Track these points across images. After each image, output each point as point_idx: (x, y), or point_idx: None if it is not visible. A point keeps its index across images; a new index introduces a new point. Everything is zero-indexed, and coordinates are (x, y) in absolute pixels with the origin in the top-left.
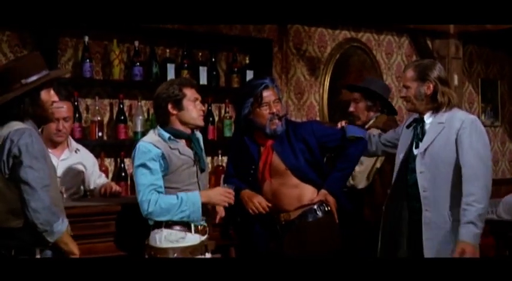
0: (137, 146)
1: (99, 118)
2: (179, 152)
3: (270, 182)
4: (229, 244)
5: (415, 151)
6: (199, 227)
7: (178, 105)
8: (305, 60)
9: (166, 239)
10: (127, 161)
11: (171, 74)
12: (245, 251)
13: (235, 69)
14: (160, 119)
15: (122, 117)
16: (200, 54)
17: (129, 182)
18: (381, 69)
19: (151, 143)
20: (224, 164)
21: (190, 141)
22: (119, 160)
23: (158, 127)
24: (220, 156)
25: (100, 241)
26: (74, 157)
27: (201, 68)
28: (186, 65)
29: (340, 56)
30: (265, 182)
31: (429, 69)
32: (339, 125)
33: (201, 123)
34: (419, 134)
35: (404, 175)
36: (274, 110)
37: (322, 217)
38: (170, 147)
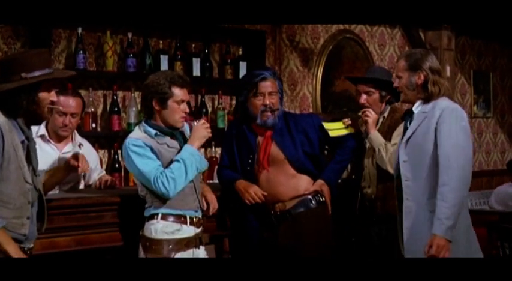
0: (127, 142)
1: (92, 110)
2: (167, 145)
3: (268, 172)
4: (223, 235)
5: None
6: (194, 219)
7: (163, 103)
8: (298, 52)
9: (162, 230)
10: (120, 152)
11: (164, 66)
12: (239, 242)
13: (229, 60)
14: (145, 110)
15: (116, 109)
16: (193, 45)
17: (122, 173)
18: (373, 61)
19: (139, 139)
20: (218, 156)
21: (174, 137)
22: (112, 151)
23: (143, 124)
24: (213, 147)
25: (94, 232)
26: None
27: (194, 59)
28: (179, 57)
29: (333, 48)
30: (262, 172)
31: (421, 59)
32: (344, 124)
33: (179, 126)
34: (407, 124)
35: (397, 167)
36: (268, 102)
37: (316, 207)
38: (158, 142)
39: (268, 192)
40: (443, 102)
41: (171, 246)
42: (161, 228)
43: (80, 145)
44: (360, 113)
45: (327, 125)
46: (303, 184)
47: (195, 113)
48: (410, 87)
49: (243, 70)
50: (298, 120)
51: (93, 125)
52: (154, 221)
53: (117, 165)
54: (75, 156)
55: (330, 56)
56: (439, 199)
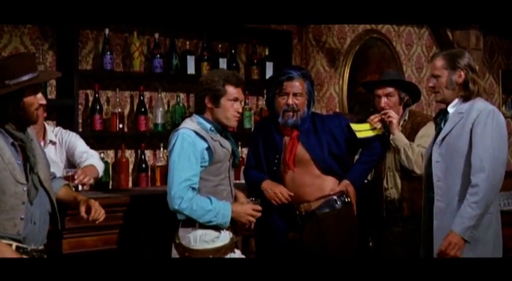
0: (180, 133)
1: (119, 110)
2: (220, 144)
3: (293, 172)
4: (249, 235)
5: None
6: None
7: (216, 101)
8: (325, 52)
9: (202, 239)
10: (148, 152)
11: (191, 66)
12: (264, 242)
13: (255, 61)
14: (197, 106)
15: (143, 109)
16: (220, 46)
17: (149, 173)
18: (400, 61)
19: (194, 131)
20: (244, 156)
21: (226, 137)
22: (139, 151)
23: (196, 116)
24: (240, 148)
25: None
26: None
27: (220, 59)
28: (206, 57)
29: (360, 48)
30: (288, 172)
31: (459, 57)
32: (372, 122)
33: (233, 124)
34: (441, 125)
35: (428, 167)
36: (291, 102)
37: (341, 208)
38: (212, 138)
39: (293, 192)
40: (481, 103)
41: (211, 256)
42: (200, 237)
43: (53, 143)
44: (381, 115)
45: (354, 126)
46: (328, 184)
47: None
48: (450, 86)
49: (269, 70)
50: (325, 121)
51: (120, 126)
52: (191, 228)
53: (143, 165)
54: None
55: (357, 56)
56: (466, 198)
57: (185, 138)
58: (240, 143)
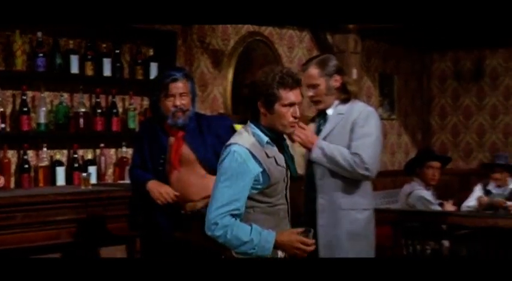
0: (231, 150)
1: (1, 109)
2: (276, 161)
3: (179, 172)
4: (134, 235)
5: None
6: None
7: (269, 107)
8: (209, 53)
9: None
10: (30, 152)
11: (74, 66)
12: (150, 242)
13: (139, 61)
14: (250, 111)
15: (25, 109)
16: (104, 45)
17: (32, 174)
18: (282, 63)
19: (248, 150)
20: (128, 156)
21: (282, 148)
22: (22, 151)
23: (252, 126)
24: (124, 148)
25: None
26: None
27: (104, 59)
28: (89, 57)
29: (244, 49)
30: (173, 172)
31: (330, 61)
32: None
33: (289, 131)
34: (321, 126)
35: (309, 167)
36: (178, 103)
37: None
38: (267, 155)
39: (179, 192)
40: (361, 105)
41: None
42: None
43: None
44: None
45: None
46: (213, 184)
47: (106, 114)
48: (329, 92)
49: (153, 71)
50: (210, 122)
51: (2, 125)
52: None
53: (26, 165)
54: None
55: (241, 58)
56: (352, 159)
57: (235, 158)
58: (124, 143)
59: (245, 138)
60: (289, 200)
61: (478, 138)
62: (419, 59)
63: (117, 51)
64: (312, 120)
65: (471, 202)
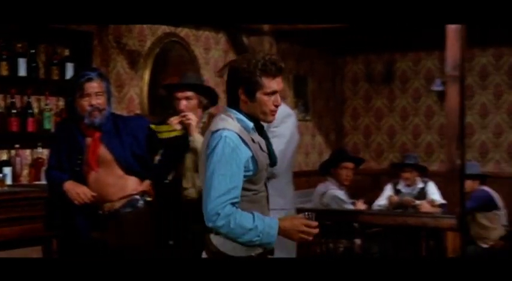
0: (222, 136)
1: None
2: (260, 147)
3: (96, 173)
4: (51, 236)
5: None
6: None
7: (250, 95)
8: (125, 54)
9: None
10: None
11: None
12: (67, 242)
13: (55, 61)
14: (229, 97)
15: None
16: (19, 45)
17: None
18: (198, 64)
19: (236, 134)
20: (44, 157)
21: (261, 135)
22: None
23: (234, 111)
24: (40, 148)
25: None
26: None
27: (20, 59)
28: (4, 56)
29: (160, 50)
30: (91, 173)
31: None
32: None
33: (270, 120)
34: None
35: None
36: (94, 103)
37: (143, 207)
38: (253, 140)
39: (97, 192)
40: (281, 107)
41: None
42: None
43: None
44: (181, 117)
45: (155, 127)
46: (131, 184)
47: (21, 114)
48: None
49: (69, 71)
50: (127, 122)
51: None
52: None
53: None
54: None
55: (157, 59)
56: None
57: (228, 144)
58: (40, 144)
59: (232, 124)
60: (268, 188)
61: (389, 139)
62: (333, 61)
63: (33, 51)
64: None
65: (382, 201)
